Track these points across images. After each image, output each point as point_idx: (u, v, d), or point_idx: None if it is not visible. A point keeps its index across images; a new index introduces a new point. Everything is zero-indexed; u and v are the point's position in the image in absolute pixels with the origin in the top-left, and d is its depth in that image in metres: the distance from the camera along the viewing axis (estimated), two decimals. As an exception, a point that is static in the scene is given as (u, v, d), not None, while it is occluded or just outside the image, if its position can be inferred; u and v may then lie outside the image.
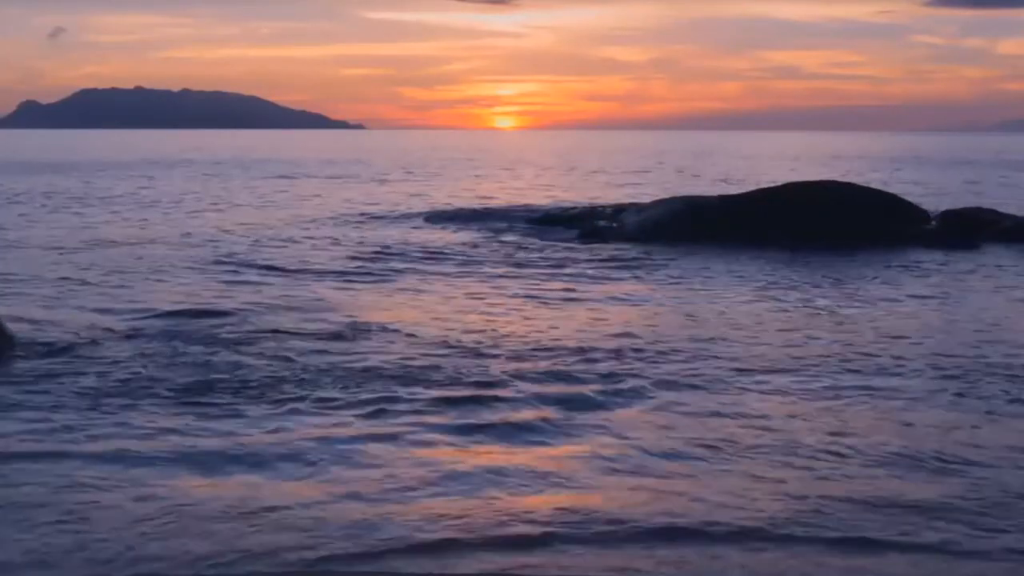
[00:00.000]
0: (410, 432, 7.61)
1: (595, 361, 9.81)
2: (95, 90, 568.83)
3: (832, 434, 7.65)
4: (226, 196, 33.14)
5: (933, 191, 35.28)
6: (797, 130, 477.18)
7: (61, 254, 17.70)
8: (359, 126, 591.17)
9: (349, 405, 8.27)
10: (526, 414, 8.06)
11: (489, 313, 12.59)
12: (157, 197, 32.35)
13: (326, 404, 8.30)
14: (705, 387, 8.98)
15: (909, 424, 7.97)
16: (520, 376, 9.25)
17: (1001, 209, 22.84)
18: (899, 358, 10.09)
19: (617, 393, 8.68)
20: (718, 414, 8.16)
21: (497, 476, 6.70)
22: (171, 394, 8.56)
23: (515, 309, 12.88)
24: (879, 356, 10.18)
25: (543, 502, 6.30)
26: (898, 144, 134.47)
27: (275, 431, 7.64)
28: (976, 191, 35.93)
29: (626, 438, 7.52)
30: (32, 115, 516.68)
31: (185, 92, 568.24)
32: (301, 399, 8.43)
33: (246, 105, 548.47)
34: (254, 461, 6.97)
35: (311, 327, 11.42)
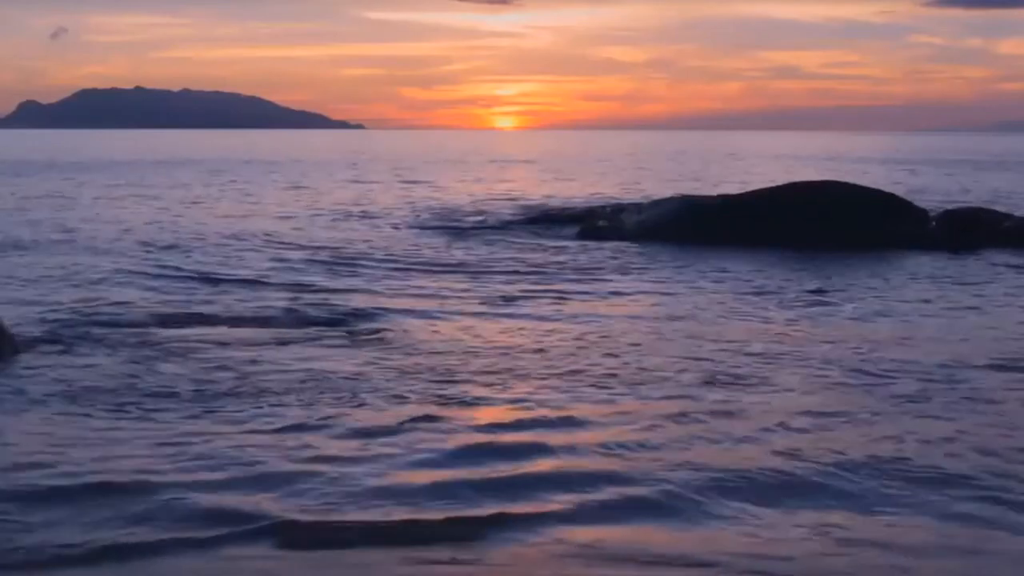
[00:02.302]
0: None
1: (584, 383, 9.29)
2: (95, 90, 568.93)
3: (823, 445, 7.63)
4: (201, 197, 33.12)
5: (933, 191, 35.25)
6: (797, 130, 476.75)
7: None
8: (359, 126, 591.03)
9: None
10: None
11: (486, 317, 12.55)
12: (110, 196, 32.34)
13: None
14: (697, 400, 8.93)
15: (906, 433, 7.93)
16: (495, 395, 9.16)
17: (1001, 209, 22.81)
18: (896, 359, 10.05)
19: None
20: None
21: None
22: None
23: (507, 314, 12.78)
24: (876, 359, 10.13)
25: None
26: (898, 144, 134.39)
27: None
28: (976, 191, 35.91)
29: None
30: (32, 115, 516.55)
31: (185, 92, 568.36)
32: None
33: (246, 105, 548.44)
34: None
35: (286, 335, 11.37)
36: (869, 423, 7.89)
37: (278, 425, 7.72)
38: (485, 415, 8.03)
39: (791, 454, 7.11)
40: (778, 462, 6.95)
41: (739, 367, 9.64)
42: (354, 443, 7.30)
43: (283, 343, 10.54)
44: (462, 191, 36.54)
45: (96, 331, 10.93)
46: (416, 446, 7.26)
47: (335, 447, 7.22)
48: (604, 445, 7.27)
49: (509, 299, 13.58)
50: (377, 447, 7.22)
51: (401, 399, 8.44)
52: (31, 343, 10.20)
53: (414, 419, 7.85)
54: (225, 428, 7.64)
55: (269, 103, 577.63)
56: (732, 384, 9.02)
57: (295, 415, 7.96)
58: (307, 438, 7.41)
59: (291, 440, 7.35)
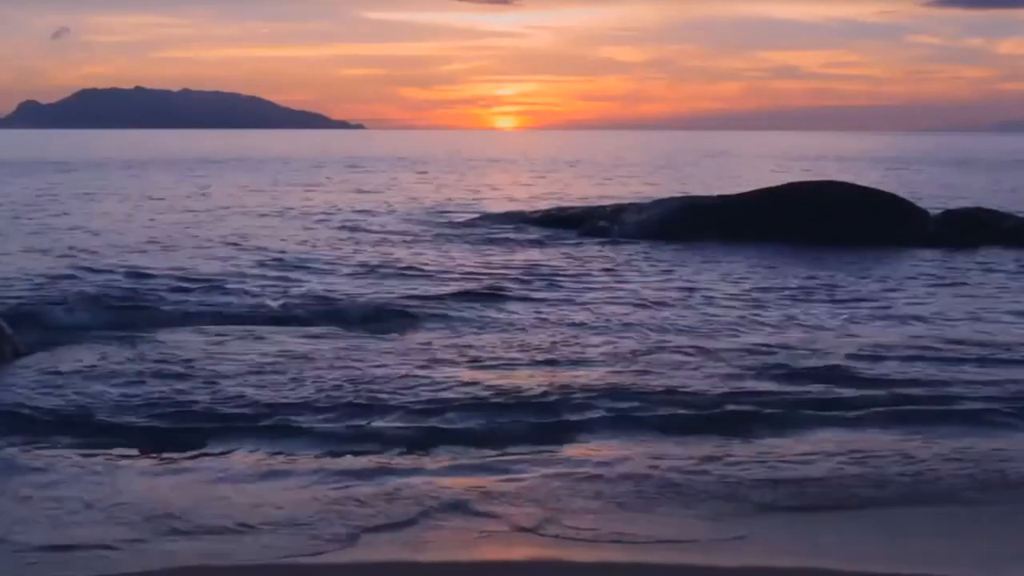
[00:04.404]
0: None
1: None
2: (95, 90, 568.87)
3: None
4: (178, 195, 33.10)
5: (933, 191, 35.24)
6: (797, 130, 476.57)
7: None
8: (359, 126, 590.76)
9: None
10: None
11: (482, 318, 12.54)
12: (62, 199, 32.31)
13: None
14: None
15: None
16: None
17: (1001, 209, 22.80)
18: (895, 358, 10.04)
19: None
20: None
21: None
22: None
23: (504, 316, 12.77)
24: (876, 360, 10.12)
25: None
26: (898, 144, 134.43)
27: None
28: (976, 191, 35.88)
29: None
30: (32, 115, 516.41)
31: (185, 92, 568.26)
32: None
33: (246, 105, 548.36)
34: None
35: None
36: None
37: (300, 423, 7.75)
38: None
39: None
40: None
41: (731, 364, 9.64)
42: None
43: (266, 337, 10.57)
44: (461, 191, 36.51)
45: (94, 333, 10.95)
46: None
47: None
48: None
49: (506, 296, 13.59)
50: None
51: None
52: (30, 345, 10.21)
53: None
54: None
55: (269, 103, 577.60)
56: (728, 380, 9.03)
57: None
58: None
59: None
